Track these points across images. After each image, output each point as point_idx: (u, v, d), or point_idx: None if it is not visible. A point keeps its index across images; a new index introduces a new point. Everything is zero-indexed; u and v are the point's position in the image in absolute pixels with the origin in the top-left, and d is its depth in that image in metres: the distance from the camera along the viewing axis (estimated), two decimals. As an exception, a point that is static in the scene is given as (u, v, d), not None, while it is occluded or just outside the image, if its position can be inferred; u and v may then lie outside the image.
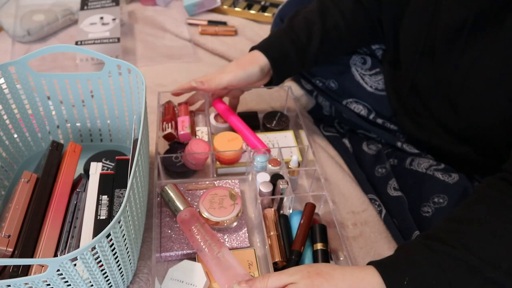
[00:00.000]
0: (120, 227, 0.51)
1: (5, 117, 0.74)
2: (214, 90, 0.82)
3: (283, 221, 0.72)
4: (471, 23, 0.63)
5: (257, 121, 0.93)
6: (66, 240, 0.60)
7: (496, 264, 0.50)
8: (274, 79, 0.84)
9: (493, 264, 0.50)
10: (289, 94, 0.94)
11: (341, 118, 0.95)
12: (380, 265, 0.54)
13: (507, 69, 0.61)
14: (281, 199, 0.73)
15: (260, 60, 0.81)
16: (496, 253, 0.51)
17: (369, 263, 0.55)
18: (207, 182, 0.79)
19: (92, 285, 0.53)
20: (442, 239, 0.53)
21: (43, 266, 0.55)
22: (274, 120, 0.91)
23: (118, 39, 1.09)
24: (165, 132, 0.83)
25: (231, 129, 0.87)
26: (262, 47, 0.83)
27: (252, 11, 1.30)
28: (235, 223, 0.72)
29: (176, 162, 0.80)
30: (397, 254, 0.56)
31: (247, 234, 0.71)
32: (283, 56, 0.82)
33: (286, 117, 0.92)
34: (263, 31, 1.23)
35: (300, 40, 0.81)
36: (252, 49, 0.84)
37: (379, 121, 0.89)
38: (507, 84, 0.61)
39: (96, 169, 0.67)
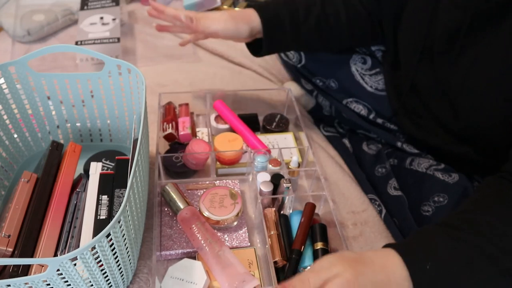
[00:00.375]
0: (120, 227, 0.51)
1: (5, 117, 0.74)
2: (199, 31, 0.80)
3: (283, 220, 0.72)
4: (469, 24, 0.63)
5: (257, 123, 0.93)
6: (66, 240, 0.60)
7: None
8: (263, 43, 0.82)
9: (510, 253, 0.50)
10: (289, 95, 0.94)
11: (341, 118, 0.95)
12: (401, 249, 0.52)
13: (506, 69, 0.61)
14: (283, 198, 0.73)
15: (253, 20, 0.80)
16: (510, 243, 0.51)
17: (387, 246, 0.54)
18: (207, 182, 0.79)
19: (92, 285, 0.53)
20: (459, 228, 0.53)
21: (43, 266, 0.55)
22: (274, 122, 0.91)
23: (118, 39, 1.09)
24: (166, 133, 0.84)
25: (232, 130, 0.87)
26: (258, 6, 0.81)
27: (252, 11, 1.30)
28: (235, 223, 0.72)
29: (176, 162, 0.80)
30: (417, 239, 0.54)
31: (247, 234, 0.71)
32: (277, 22, 0.80)
33: (286, 119, 0.92)
34: (263, 31, 1.23)
35: (297, 13, 0.81)
36: (248, 7, 0.83)
37: (379, 121, 0.89)
38: (506, 84, 0.61)
39: (96, 169, 0.67)
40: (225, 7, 1.32)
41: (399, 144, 0.86)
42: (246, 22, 0.80)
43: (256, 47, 0.85)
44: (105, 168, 0.75)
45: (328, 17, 0.81)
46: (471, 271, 0.50)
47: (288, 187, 0.72)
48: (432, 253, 0.51)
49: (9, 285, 0.46)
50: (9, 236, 0.57)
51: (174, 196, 0.71)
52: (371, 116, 0.89)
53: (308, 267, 0.66)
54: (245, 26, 0.79)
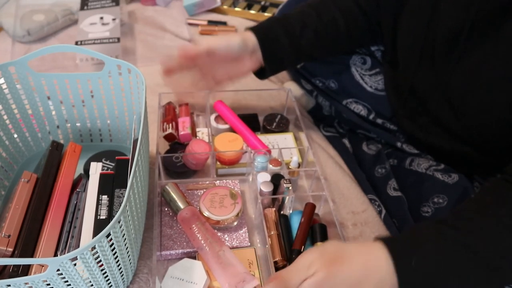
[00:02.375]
0: (120, 227, 0.51)
1: (5, 117, 0.74)
2: (193, 53, 0.78)
3: (283, 220, 0.72)
4: (469, 28, 0.63)
5: (257, 123, 0.93)
6: (66, 240, 0.60)
7: (504, 257, 0.50)
8: (265, 63, 0.82)
9: (501, 256, 0.50)
10: (289, 95, 0.94)
11: (341, 118, 0.95)
12: (389, 243, 0.53)
13: (506, 72, 0.61)
14: (283, 199, 0.73)
15: (246, 35, 0.80)
16: (506, 246, 0.51)
17: (377, 239, 0.55)
18: (207, 182, 0.79)
19: (92, 285, 0.53)
20: (453, 226, 0.53)
21: (43, 266, 0.55)
22: (274, 122, 0.91)
23: (118, 39, 1.09)
24: (166, 133, 0.84)
25: (232, 130, 0.88)
26: (252, 27, 0.82)
27: (252, 11, 1.30)
28: (235, 223, 0.72)
29: (176, 162, 0.80)
30: (408, 234, 0.55)
31: (247, 233, 0.71)
32: (273, 38, 0.80)
33: (286, 119, 0.92)
34: (263, 31, 1.23)
35: (292, 27, 0.80)
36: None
37: (379, 121, 0.89)
38: (506, 86, 0.61)
39: (96, 169, 0.67)
40: (225, 7, 1.32)
41: (398, 144, 0.86)
42: (238, 36, 0.79)
43: (261, 70, 0.85)
44: (105, 168, 0.75)
45: (326, 26, 0.81)
46: (457, 269, 0.51)
47: (288, 187, 0.72)
48: (419, 248, 0.52)
49: (9, 285, 0.46)
50: (9, 236, 0.57)
51: (174, 196, 0.71)
52: (371, 117, 0.89)
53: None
54: (236, 38, 0.78)
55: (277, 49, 0.81)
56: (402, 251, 0.52)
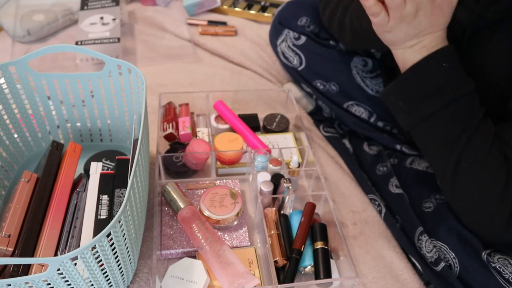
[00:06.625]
0: (121, 227, 0.51)
1: (5, 117, 0.74)
2: None
3: (283, 220, 0.72)
4: (470, 34, 0.64)
5: (257, 123, 0.93)
6: (67, 239, 0.60)
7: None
8: None
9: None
10: (289, 96, 0.94)
11: (341, 120, 0.95)
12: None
13: (491, 78, 0.62)
14: (283, 198, 0.73)
15: None
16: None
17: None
18: (208, 182, 0.79)
19: (92, 285, 0.53)
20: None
21: (43, 266, 0.55)
22: (274, 122, 0.91)
23: (118, 39, 1.09)
24: (166, 132, 0.84)
25: (232, 130, 0.88)
26: None
27: (252, 11, 1.30)
28: (235, 222, 0.72)
29: (176, 162, 0.80)
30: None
31: (247, 233, 0.71)
32: None
33: (286, 119, 0.92)
34: (263, 31, 1.23)
35: None
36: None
37: (380, 124, 0.89)
38: (493, 93, 0.62)
39: (96, 169, 0.67)
40: (225, 7, 1.32)
41: (398, 146, 0.86)
42: None
43: None
44: (106, 168, 0.75)
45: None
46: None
47: (288, 187, 0.72)
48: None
49: (9, 285, 0.46)
50: (9, 235, 0.57)
51: (175, 196, 0.71)
52: (372, 119, 0.90)
53: (308, 267, 0.66)
54: None
55: None
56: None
